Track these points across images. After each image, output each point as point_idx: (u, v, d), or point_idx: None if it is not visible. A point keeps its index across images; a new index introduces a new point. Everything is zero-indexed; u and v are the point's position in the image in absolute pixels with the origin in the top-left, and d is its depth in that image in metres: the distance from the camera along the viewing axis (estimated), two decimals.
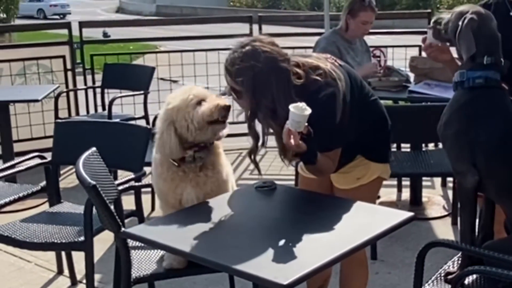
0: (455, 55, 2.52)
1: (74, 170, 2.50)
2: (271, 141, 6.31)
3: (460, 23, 2.31)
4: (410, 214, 2.17)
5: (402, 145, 4.71)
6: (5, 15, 21.80)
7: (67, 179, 4.98)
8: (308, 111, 2.16)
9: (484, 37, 2.31)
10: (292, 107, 2.15)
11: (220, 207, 2.30)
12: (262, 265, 1.83)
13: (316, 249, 1.92)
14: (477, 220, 2.44)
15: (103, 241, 3.36)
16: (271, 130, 2.41)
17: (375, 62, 4.41)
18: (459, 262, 2.44)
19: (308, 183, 2.67)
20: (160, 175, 2.44)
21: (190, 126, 2.33)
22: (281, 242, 1.98)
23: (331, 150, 2.39)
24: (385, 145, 2.65)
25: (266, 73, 2.25)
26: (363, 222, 2.13)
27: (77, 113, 5.84)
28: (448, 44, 2.47)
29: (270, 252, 1.92)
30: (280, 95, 2.28)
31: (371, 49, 4.60)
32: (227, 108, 2.34)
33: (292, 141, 2.18)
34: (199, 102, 2.34)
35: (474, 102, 2.33)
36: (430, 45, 2.49)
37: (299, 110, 2.15)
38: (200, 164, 2.41)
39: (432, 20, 2.48)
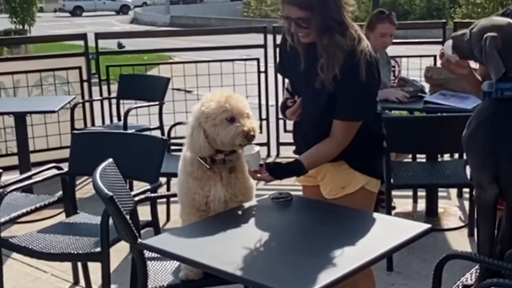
0: (472, 65, 2.50)
1: (89, 180, 2.52)
2: (285, 151, 6.29)
3: (482, 43, 2.24)
4: (427, 226, 2.16)
5: (417, 155, 4.69)
6: (21, 26, 22.05)
7: (83, 189, 5.00)
8: (256, 150, 2.34)
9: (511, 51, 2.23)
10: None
11: (236, 218, 2.30)
12: (279, 277, 1.83)
13: (333, 261, 1.91)
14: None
15: (119, 251, 3.37)
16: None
17: (399, 90, 4.41)
18: (477, 274, 2.42)
19: (306, 192, 2.71)
20: (190, 173, 2.45)
21: (215, 138, 2.35)
22: (298, 254, 1.98)
23: (356, 120, 2.41)
24: (372, 158, 2.60)
25: None
26: (380, 234, 2.12)
27: (93, 124, 5.88)
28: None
29: (287, 264, 1.92)
30: (344, 9, 2.34)
31: None
32: (250, 138, 2.34)
33: (260, 176, 2.40)
34: (229, 119, 2.33)
35: (501, 114, 2.29)
36: (447, 60, 2.45)
37: (248, 150, 2.34)
38: (230, 167, 2.43)
39: (452, 36, 2.42)
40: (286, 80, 2.72)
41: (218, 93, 2.40)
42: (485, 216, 2.34)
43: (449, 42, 2.41)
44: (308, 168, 2.45)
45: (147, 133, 4.95)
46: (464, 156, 4.50)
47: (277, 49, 5.76)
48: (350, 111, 2.39)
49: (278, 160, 5.79)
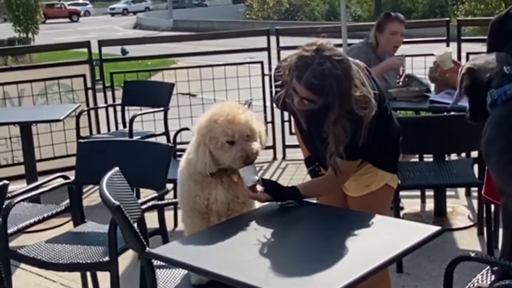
0: None
1: (96, 187, 2.51)
2: (291, 153, 6.26)
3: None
4: (438, 228, 2.14)
5: (424, 155, 4.66)
6: (25, 35, 22.10)
7: (90, 197, 5.00)
8: (249, 168, 2.36)
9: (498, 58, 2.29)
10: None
11: (243, 225, 2.29)
12: (289, 283, 1.82)
13: (343, 266, 1.90)
14: None
15: (127, 259, 3.37)
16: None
17: (400, 58, 4.39)
18: (488, 275, 2.40)
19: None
20: (191, 176, 2.48)
21: (218, 158, 2.40)
22: (306, 260, 1.97)
23: (354, 160, 2.45)
24: (394, 155, 2.67)
25: (347, 81, 2.29)
26: (390, 237, 2.11)
27: (98, 131, 5.88)
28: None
29: (296, 270, 1.91)
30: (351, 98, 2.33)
31: None
32: (249, 163, 2.38)
33: (255, 194, 2.37)
34: (230, 142, 2.37)
35: None
36: (443, 71, 2.46)
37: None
38: (230, 173, 2.46)
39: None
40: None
41: (226, 112, 2.40)
42: (511, 224, 2.32)
43: (439, 54, 2.44)
44: (305, 196, 2.46)
45: (153, 139, 4.95)
46: (471, 155, 4.50)
47: (280, 52, 5.83)
48: (348, 153, 2.40)
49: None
